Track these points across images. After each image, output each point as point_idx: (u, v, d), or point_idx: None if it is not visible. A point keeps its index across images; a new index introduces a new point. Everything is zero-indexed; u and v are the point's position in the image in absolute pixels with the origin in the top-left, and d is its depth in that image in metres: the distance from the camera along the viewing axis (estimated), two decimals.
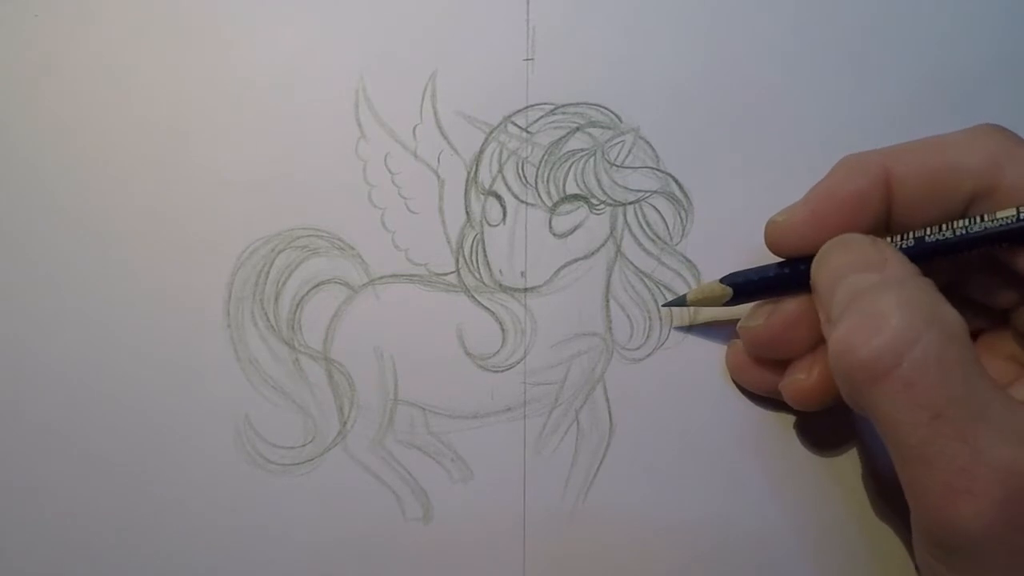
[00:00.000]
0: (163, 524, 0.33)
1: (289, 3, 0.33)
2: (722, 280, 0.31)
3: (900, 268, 0.26)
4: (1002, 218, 0.26)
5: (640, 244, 0.33)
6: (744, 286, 0.30)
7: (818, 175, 0.33)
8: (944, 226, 0.27)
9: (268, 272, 0.33)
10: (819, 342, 0.29)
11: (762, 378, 0.31)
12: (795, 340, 0.29)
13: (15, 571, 0.33)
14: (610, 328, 0.33)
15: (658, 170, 0.33)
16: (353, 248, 0.33)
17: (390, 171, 0.34)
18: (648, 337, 0.33)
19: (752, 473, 0.33)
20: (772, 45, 0.33)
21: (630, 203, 0.34)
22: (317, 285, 0.33)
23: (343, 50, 0.33)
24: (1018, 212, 0.26)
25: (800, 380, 0.29)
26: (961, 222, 0.27)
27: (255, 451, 0.33)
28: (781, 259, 0.30)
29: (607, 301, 0.33)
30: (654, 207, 0.33)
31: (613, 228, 0.33)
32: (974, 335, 0.29)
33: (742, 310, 0.31)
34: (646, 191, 0.33)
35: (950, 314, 0.24)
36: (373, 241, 0.33)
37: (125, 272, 0.33)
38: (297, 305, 0.33)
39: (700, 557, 0.33)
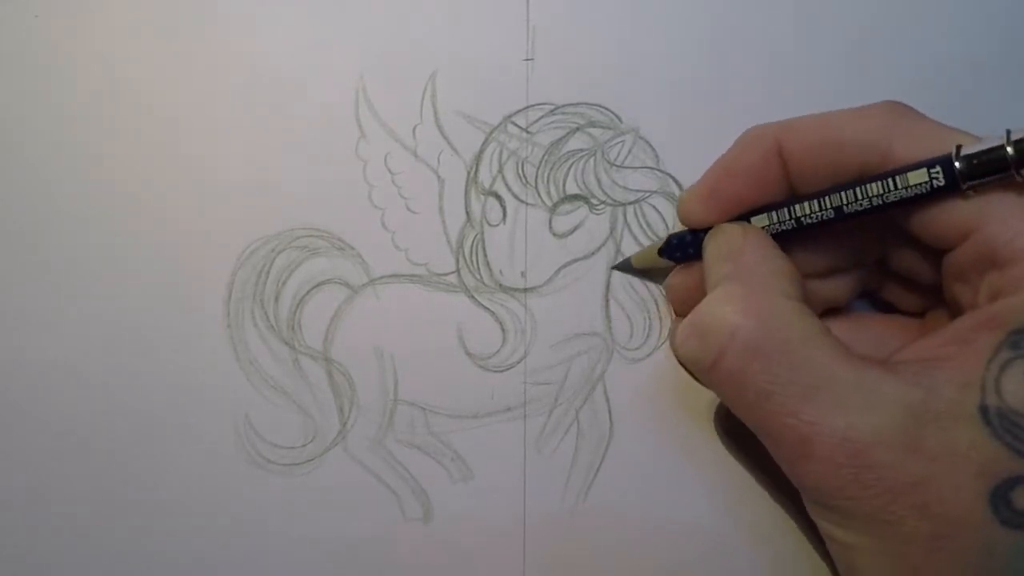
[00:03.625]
0: (163, 524, 0.33)
1: (289, 3, 0.33)
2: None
3: (752, 255, 0.27)
4: (880, 189, 0.27)
5: (640, 244, 0.33)
6: (674, 247, 0.31)
7: None
8: (824, 203, 0.28)
9: (268, 272, 0.33)
10: None
11: None
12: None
13: (15, 570, 0.33)
14: (610, 328, 0.33)
15: (658, 170, 0.33)
16: (353, 248, 0.33)
17: (390, 171, 0.34)
18: (648, 337, 0.33)
19: (752, 473, 0.33)
20: (772, 45, 0.33)
21: (630, 203, 0.34)
22: (317, 285, 0.33)
23: (343, 50, 0.33)
24: (894, 181, 0.26)
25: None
26: (843, 199, 0.27)
27: (255, 451, 0.33)
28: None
29: (607, 301, 0.33)
30: (654, 207, 0.33)
31: (613, 228, 0.33)
32: (921, 314, 0.31)
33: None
34: (646, 191, 0.33)
35: (774, 301, 0.26)
36: (373, 241, 0.33)
37: (125, 272, 0.33)
38: (297, 305, 0.33)
39: (700, 557, 0.33)
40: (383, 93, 0.33)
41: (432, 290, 0.33)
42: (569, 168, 0.33)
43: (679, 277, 0.31)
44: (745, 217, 0.29)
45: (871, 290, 0.32)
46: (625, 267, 0.33)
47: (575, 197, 0.34)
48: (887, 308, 0.32)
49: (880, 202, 0.27)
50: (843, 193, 0.27)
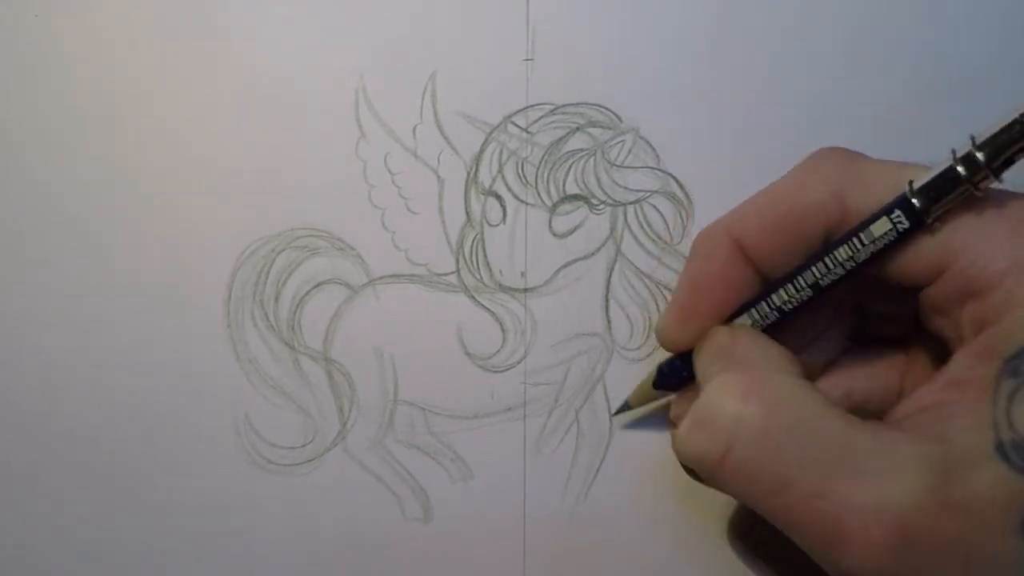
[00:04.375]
0: (163, 524, 0.33)
1: (289, 3, 0.33)
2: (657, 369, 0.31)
3: (738, 349, 0.27)
4: (847, 253, 0.26)
5: (640, 244, 0.33)
6: (667, 376, 0.30)
7: None
8: (798, 286, 0.27)
9: (268, 272, 0.33)
10: None
11: None
12: None
13: (15, 570, 0.33)
14: (610, 328, 0.33)
15: (658, 170, 0.33)
16: (353, 248, 0.33)
17: (390, 171, 0.34)
18: (648, 337, 0.33)
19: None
20: (772, 45, 0.33)
21: (630, 203, 0.33)
22: (317, 285, 0.33)
23: (343, 50, 0.33)
24: (859, 240, 0.26)
25: None
26: (816, 272, 0.27)
27: (255, 451, 0.33)
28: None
29: (607, 301, 0.33)
30: (654, 207, 0.33)
31: (613, 228, 0.33)
32: (902, 346, 0.30)
33: None
34: (646, 191, 0.33)
35: (773, 382, 0.24)
36: (373, 241, 0.33)
37: (125, 272, 0.33)
38: (297, 305, 0.33)
39: (700, 557, 0.33)
40: (383, 93, 0.33)
41: (432, 290, 0.33)
42: (569, 168, 0.33)
43: (683, 406, 0.30)
44: (726, 322, 0.28)
45: (852, 333, 0.31)
46: (624, 409, 0.33)
47: (575, 197, 0.33)
48: (866, 339, 0.31)
49: (852, 264, 0.26)
50: (814, 269, 0.27)
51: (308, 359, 0.33)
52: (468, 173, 0.33)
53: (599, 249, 0.34)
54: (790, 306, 0.27)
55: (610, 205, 0.33)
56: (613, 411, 0.33)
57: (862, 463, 0.23)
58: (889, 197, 0.26)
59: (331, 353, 0.33)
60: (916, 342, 0.29)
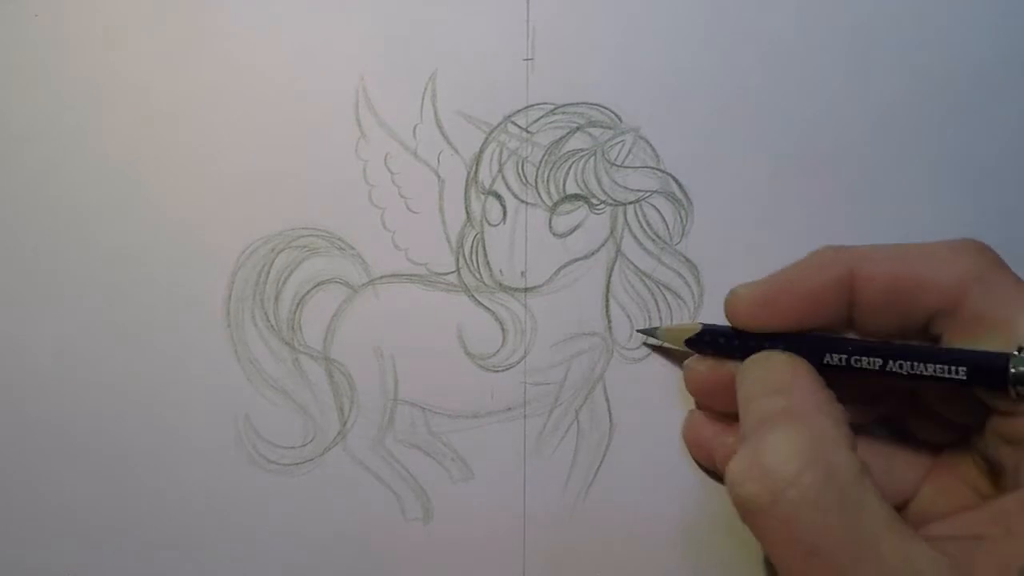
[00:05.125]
0: (163, 524, 0.33)
1: (289, 3, 0.33)
2: (702, 324, 0.31)
3: (805, 397, 0.26)
4: (933, 369, 0.26)
5: (640, 244, 0.33)
6: (707, 342, 0.30)
7: (818, 175, 0.33)
8: (875, 360, 0.27)
9: (268, 272, 0.33)
10: None
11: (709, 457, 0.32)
12: (730, 401, 0.29)
13: (14, 570, 0.33)
14: (610, 328, 0.33)
15: (658, 170, 0.33)
16: (353, 248, 0.33)
17: (390, 171, 0.34)
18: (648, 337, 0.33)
19: None
20: (772, 45, 0.33)
21: (630, 203, 0.34)
22: (317, 285, 0.33)
23: (343, 50, 0.33)
24: (949, 369, 0.26)
25: (728, 443, 0.30)
26: (894, 363, 0.27)
27: (255, 451, 0.33)
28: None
29: (607, 301, 0.33)
30: (654, 207, 0.33)
31: (613, 228, 0.33)
32: (937, 448, 0.29)
33: None
34: (646, 191, 0.33)
35: (837, 454, 0.25)
36: (373, 241, 0.33)
37: (126, 272, 0.33)
38: (297, 305, 0.33)
39: (700, 556, 0.33)
40: (383, 93, 0.33)
41: (432, 290, 0.33)
42: (569, 168, 0.33)
43: (703, 365, 0.31)
44: (792, 336, 0.28)
45: (892, 415, 0.31)
46: (650, 334, 0.33)
47: (575, 197, 0.34)
48: (900, 429, 0.31)
49: (931, 375, 0.26)
50: (896, 361, 0.27)
51: (308, 359, 0.33)
52: (468, 173, 0.33)
53: (599, 249, 0.34)
54: (859, 365, 0.27)
55: (610, 205, 0.34)
56: (638, 328, 0.33)
57: (890, 565, 0.23)
58: (1007, 316, 0.25)
59: (331, 353, 0.33)
60: (949, 456, 0.29)
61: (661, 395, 0.33)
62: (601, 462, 0.33)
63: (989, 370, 0.25)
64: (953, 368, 0.26)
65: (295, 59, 0.33)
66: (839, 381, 0.28)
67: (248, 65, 0.34)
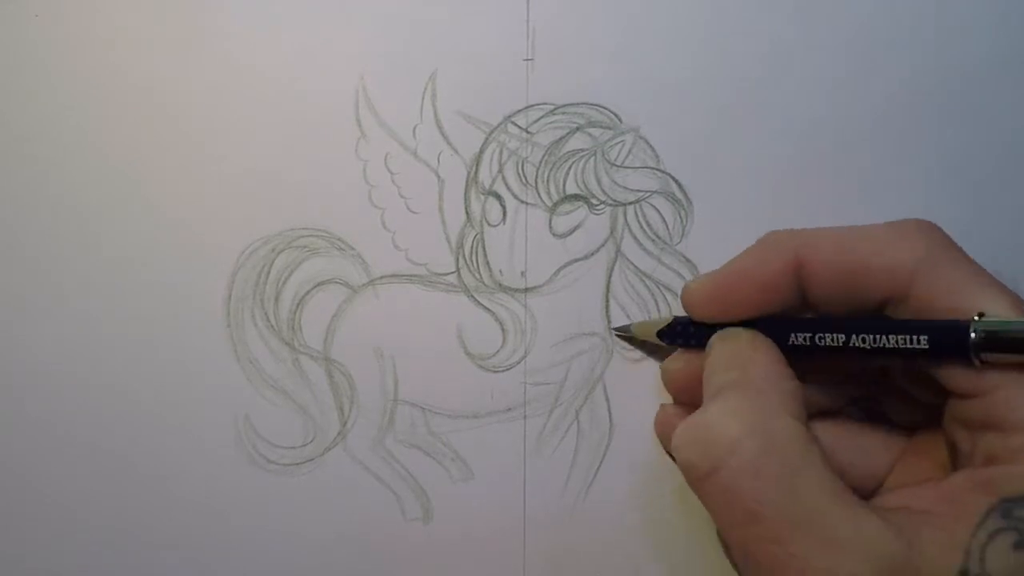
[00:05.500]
0: (163, 524, 0.33)
1: (289, 3, 0.33)
2: (672, 319, 0.31)
3: (759, 369, 0.27)
4: (895, 341, 0.26)
5: (640, 244, 0.33)
6: (678, 333, 0.31)
7: (818, 175, 0.33)
8: (838, 336, 0.27)
9: (268, 272, 0.33)
10: None
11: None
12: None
13: (15, 570, 0.33)
14: (610, 328, 0.33)
15: (658, 170, 0.33)
16: (353, 248, 0.33)
17: (390, 171, 0.34)
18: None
19: None
20: (772, 45, 0.33)
21: (630, 203, 0.34)
22: (317, 285, 0.33)
23: (343, 50, 0.33)
24: (910, 339, 0.26)
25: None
26: (856, 337, 0.27)
27: (255, 451, 0.33)
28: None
29: (607, 301, 0.33)
30: (654, 207, 0.33)
31: (613, 228, 0.33)
32: (911, 429, 0.30)
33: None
34: (646, 191, 0.33)
35: (780, 423, 0.25)
36: (373, 241, 0.33)
37: (126, 272, 0.33)
38: (297, 305, 0.33)
39: (700, 556, 0.33)
40: (383, 93, 0.33)
41: (432, 290, 0.33)
42: (569, 168, 0.33)
43: (679, 363, 0.31)
44: (750, 321, 0.29)
45: (865, 397, 0.31)
46: (625, 331, 0.33)
47: (575, 197, 0.34)
48: (874, 412, 0.31)
49: (894, 347, 0.26)
50: (859, 336, 0.27)
51: (308, 359, 0.33)
52: (468, 173, 0.33)
53: (599, 249, 0.34)
54: (823, 343, 0.27)
55: (610, 205, 0.33)
56: (614, 326, 0.33)
57: (828, 533, 0.23)
58: (958, 301, 0.25)
59: (331, 353, 0.33)
60: (921, 437, 0.29)
61: (661, 395, 0.33)
62: (601, 462, 0.33)
63: (951, 338, 0.25)
64: (914, 338, 0.26)
65: (295, 59, 0.33)
66: (809, 365, 0.28)
67: (248, 65, 0.34)
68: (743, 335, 0.28)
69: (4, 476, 0.33)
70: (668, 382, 0.31)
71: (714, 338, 0.29)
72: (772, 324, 0.28)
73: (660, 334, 0.31)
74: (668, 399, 0.33)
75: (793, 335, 0.28)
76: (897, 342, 0.26)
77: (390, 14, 0.33)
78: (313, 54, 0.33)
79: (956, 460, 0.27)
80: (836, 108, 0.33)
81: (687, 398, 0.31)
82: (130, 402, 0.33)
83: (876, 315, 0.27)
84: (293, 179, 0.33)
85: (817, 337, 0.27)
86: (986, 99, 0.33)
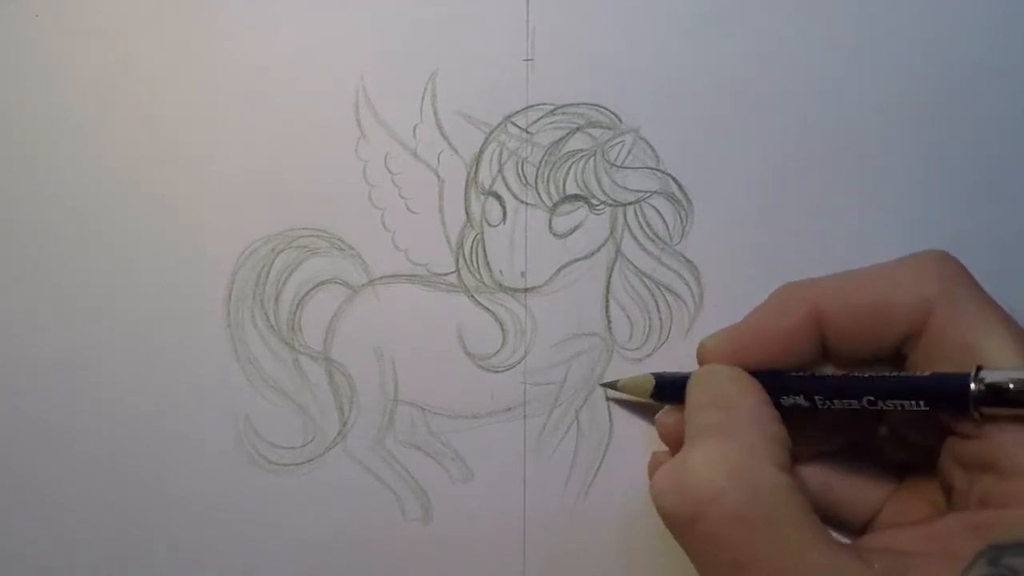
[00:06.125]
0: (163, 524, 0.33)
1: (289, 3, 0.33)
2: (653, 374, 0.31)
3: (744, 413, 0.26)
4: (892, 405, 0.26)
5: (640, 244, 0.33)
6: (667, 387, 0.31)
7: (818, 175, 0.33)
8: (833, 400, 0.27)
9: (268, 272, 0.33)
10: None
11: None
12: None
13: (15, 570, 0.33)
14: (610, 328, 0.33)
15: (658, 170, 0.33)
16: (353, 248, 0.33)
17: (390, 171, 0.34)
18: (648, 337, 0.33)
19: None
20: (772, 45, 0.33)
21: (630, 203, 0.34)
22: (317, 285, 0.33)
23: (343, 50, 0.33)
24: (908, 404, 0.26)
25: None
26: (856, 401, 0.27)
27: (255, 451, 0.33)
28: None
29: (607, 301, 0.33)
30: (654, 207, 0.33)
31: (613, 228, 0.33)
32: (904, 468, 0.30)
33: None
34: (646, 191, 0.33)
35: (764, 471, 0.25)
36: (373, 241, 0.33)
37: (125, 272, 0.33)
38: (297, 305, 0.33)
39: None
40: (383, 93, 0.33)
41: (432, 290, 0.33)
42: (569, 168, 0.33)
43: (671, 418, 0.30)
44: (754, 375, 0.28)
45: (859, 437, 0.31)
46: (611, 387, 0.33)
47: (575, 197, 0.34)
48: (869, 448, 0.31)
49: (893, 407, 0.26)
50: (864, 399, 0.26)
51: (308, 359, 0.33)
52: (468, 173, 0.33)
53: (599, 249, 0.34)
54: (823, 405, 0.27)
55: (610, 205, 0.34)
56: (601, 382, 0.33)
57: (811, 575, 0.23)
58: (970, 339, 0.25)
59: (331, 353, 0.33)
60: (915, 476, 0.29)
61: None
62: (601, 463, 0.33)
63: (950, 395, 0.25)
64: (913, 403, 0.26)
65: (295, 59, 0.33)
66: (803, 411, 0.28)
67: (248, 65, 0.33)
68: (724, 372, 0.28)
69: (4, 476, 0.33)
70: (663, 435, 0.31)
71: (694, 375, 0.29)
72: (765, 382, 0.28)
73: (653, 396, 0.31)
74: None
75: (784, 397, 0.28)
76: (895, 406, 0.26)
77: (390, 14, 0.33)
78: (313, 54, 0.33)
79: (951, 500, 0.27)
80: (836, 108, 0.33)
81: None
82: (130, 402, 0.33)
83: (875, 373, 0.27)
84: (293, 179, 0.33)
85: (815, 398, 0.27)
86: (985, 99, 0.33)
